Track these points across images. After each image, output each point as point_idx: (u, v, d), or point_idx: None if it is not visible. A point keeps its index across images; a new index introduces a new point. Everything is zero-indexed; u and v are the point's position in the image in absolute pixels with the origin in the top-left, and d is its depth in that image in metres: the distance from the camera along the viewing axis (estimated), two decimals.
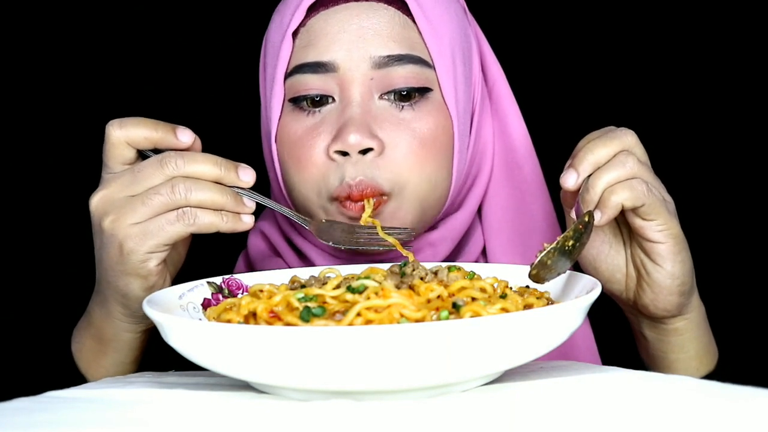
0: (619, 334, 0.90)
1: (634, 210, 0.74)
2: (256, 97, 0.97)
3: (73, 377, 0.83)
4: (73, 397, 0.62)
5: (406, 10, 0.87)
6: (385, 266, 0.75)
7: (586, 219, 0.72)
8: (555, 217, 0.98)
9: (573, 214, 0.78)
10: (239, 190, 0.77)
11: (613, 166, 0.74)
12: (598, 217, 0.73)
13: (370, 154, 0.84)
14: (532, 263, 0.72)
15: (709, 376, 0.83)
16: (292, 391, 0.60)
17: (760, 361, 0.89)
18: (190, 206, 0.74)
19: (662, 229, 0.75)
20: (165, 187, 0.73)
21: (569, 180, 0.75)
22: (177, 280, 0.76)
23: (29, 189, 1.47)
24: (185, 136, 0.77)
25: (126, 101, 1.45)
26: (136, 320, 0.81)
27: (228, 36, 1.47)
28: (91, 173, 0.82)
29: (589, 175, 0.74)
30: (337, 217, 0.86)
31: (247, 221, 0.77)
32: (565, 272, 0.73)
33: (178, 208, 0.74)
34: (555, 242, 0.71)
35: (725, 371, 0.84)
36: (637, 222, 0.76)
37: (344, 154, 0.84)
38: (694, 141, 1.48)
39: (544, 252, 0.71)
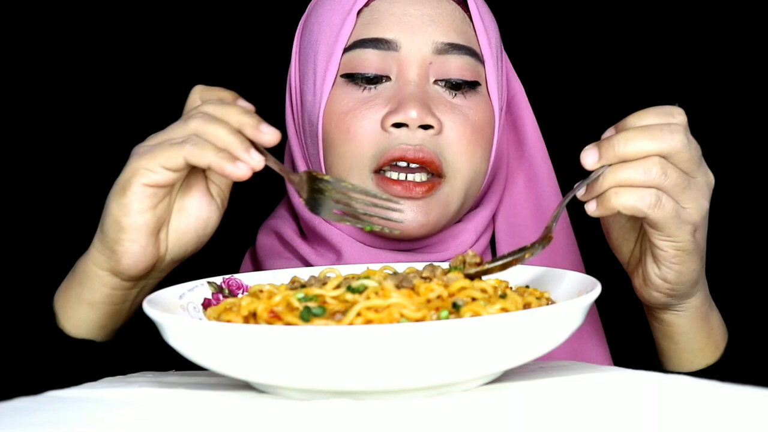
0: (632, 335, 0.90)
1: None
2: (277, 85, 0.99)
3: (73, 377, 0.82)
4: (73, 397, 0.62)
5: (464, 7, 0.92)
6: (420, 265, 0.74)
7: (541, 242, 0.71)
8: (569, 221, 1.00)
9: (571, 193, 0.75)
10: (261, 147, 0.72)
11: (635, 168, 0.69)
12: (593, 209, 0.71)
13: (429, 131, 0.87)
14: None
15: (709, 369, 0.82)
16: (292, 391, 0.60)
17: (763, 358, 0.88)
18: (198, 136, 0.71)
19: (666, 240, 0.73)
20: (186, 116, 0.73)
21: (589, 159, 0.71)
22: (177, 280, 0.75)
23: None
24: (241, 100, 0.75)
25: (136, 101, 1.45)
26: (107, 254, 0.76)
27: (246, 30, 1.48)
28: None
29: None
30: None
31: (242, 168, 0.70)
32: None
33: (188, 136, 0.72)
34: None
35: (728, 365, 0.83)
36: (644, 223, 0.74)
37: (400, 127, 0.86)
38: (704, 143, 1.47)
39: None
